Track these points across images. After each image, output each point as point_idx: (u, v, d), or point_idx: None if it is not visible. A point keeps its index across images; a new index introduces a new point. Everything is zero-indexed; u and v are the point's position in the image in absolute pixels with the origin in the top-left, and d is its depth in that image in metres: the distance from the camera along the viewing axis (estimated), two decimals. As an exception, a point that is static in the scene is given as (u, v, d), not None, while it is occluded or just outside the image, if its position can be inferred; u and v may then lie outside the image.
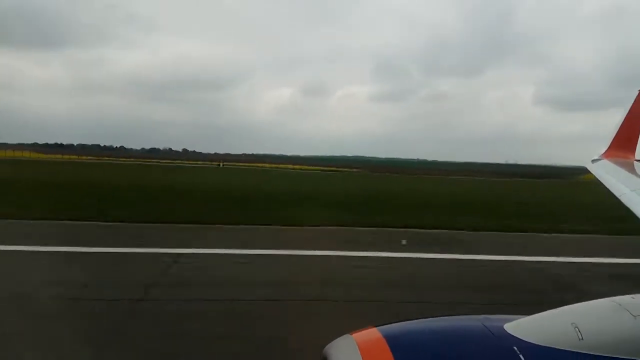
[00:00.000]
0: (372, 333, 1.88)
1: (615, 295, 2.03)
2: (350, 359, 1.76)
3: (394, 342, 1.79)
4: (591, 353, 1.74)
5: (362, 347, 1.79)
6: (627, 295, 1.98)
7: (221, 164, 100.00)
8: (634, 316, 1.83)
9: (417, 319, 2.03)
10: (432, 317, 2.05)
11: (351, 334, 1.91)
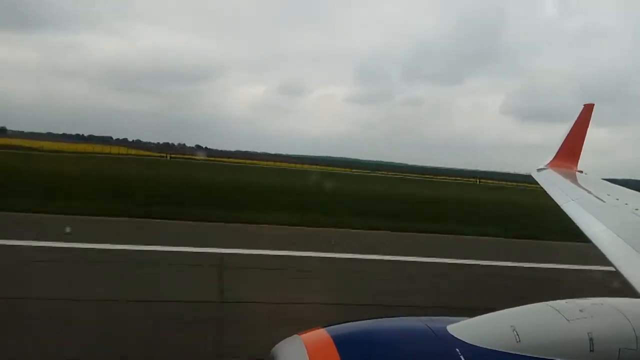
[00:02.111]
0: (320, 334, 1.90)
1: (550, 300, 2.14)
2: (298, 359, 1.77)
3: (341, 343, 1.81)
4: (528, 355, 1.82)
5: (309, 348, 1.80)
6: (562, 300, 2.09)
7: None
8: (568, 320, 1.93)
9: (364, 319, 2.06)
10: (378, 317, 2.09)
11: (299, 335, 1.92)
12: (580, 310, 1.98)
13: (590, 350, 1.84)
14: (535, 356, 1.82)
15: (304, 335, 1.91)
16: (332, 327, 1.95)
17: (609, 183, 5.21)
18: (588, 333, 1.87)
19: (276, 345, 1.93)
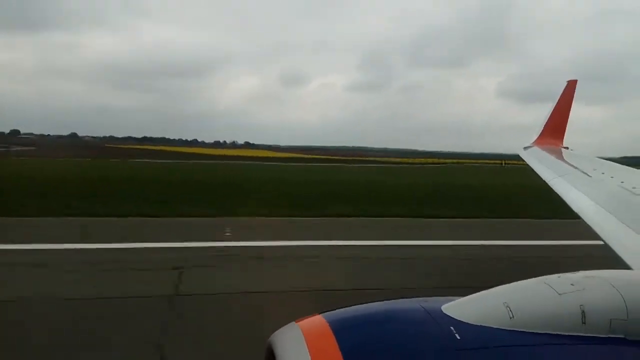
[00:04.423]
0: (317, 320, 1.91)
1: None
2: (296, 346, 1.78)
3: (338, 328, 1.82)
4: (520, 330, 1.85)
5: (306, 335, 1.81)
6: (554, 275, 2.12)
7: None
8: (559, 294, 1.96)
9: (359, 304, 2.08)
10: (374, 301, 2.11)
11: (296, 322, 1.92)
12: (572, 284, 2.01)
13: (582, 323, 1.87)
14: (529, 331, 1.85)
15: (301, 322, 1.92)
16: (328, 313, 1.96)
17: (594, 158, 5.27)
18: (580, 306, 1.90)
19: (273, 334, 1.94)
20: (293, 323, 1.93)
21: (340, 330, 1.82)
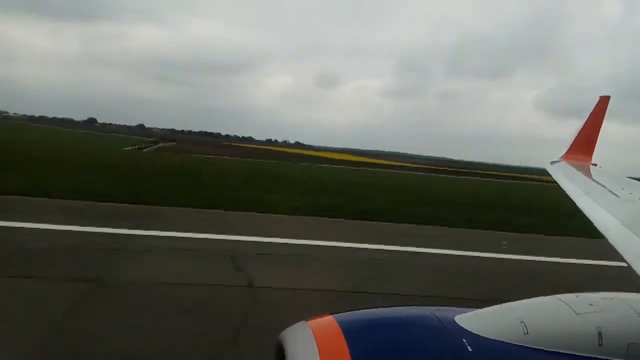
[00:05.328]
0: (328, 320, 1.91)
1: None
2: (305, 345, 1.78)
3: (348, 330, 1.82)
4: (535, 347, 1.82)
5: (317, 334, 1.82)
6: (572, 294, 2.08)
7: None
8: (577, 313, 1.92)
9: (372, 307, 2.07)
10: (387, 306, 2.10)
11: (307, 321, 1.93)
12: (590, 304, 1.97)
13: (599, 345, 1.83)
14: (543, 348, 1.81)
15: (311, 321, 1.92)
16: (339, 314, 1.96)
17: (623, 177, 5.13)
18: (597, 327, 1.86)
19: (284, 331, 1.94)
20: (304, 321, 1.93)
21: (351, 332, 1.82)
